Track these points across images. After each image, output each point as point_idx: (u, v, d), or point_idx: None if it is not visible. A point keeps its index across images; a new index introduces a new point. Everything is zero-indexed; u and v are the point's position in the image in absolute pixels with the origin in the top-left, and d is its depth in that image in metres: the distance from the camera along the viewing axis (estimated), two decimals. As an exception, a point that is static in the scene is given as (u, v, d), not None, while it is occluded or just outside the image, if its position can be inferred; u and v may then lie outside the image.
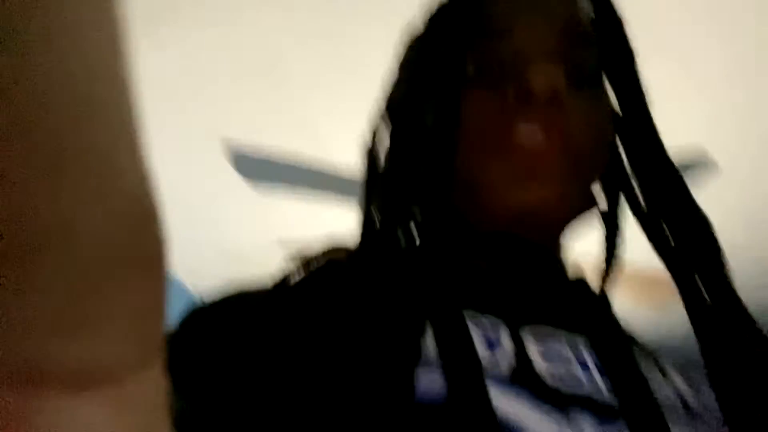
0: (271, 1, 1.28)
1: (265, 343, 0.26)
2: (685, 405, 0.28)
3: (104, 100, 0.10)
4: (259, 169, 1.68)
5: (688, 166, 1.29)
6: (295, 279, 0.32)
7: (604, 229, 0.37)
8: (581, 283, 0.37)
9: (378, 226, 0.33)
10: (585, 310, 0.32)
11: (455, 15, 0.35)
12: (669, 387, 0.29)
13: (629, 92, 0.34)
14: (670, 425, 0.25)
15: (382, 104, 0.39)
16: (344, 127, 1.61)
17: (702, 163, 1.35)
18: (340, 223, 1.91)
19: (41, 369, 0.10)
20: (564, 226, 0.36)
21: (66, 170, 0.10)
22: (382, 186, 0.35)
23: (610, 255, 0.37)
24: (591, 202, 0.36)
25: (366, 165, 0.38)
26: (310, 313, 0.28)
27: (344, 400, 0.22)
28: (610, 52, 0.34)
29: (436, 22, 0.37)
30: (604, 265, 0.37)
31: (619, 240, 0.37)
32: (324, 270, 0.32)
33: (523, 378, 0.25)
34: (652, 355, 0.33)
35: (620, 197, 0.37)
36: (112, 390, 0.11)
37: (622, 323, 0.35)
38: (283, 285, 0.31)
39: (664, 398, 0.27)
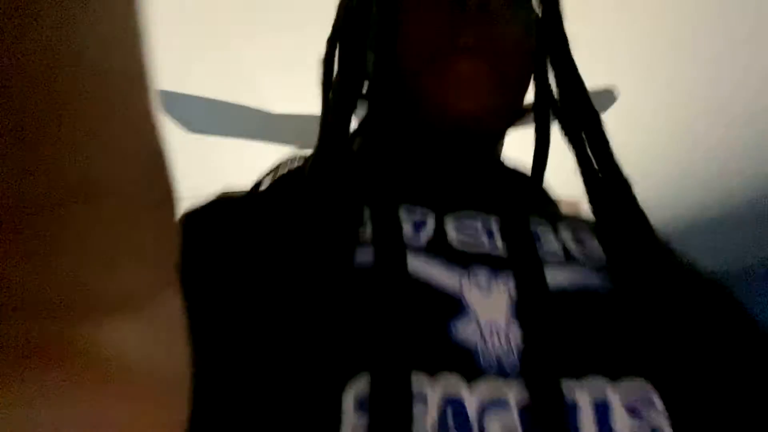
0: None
1: (240, 237, 0.32)
2: (568, 255, 0.33)
3: (118, 66, 0.11)
4: (196, 116, 1.67)
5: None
6: (264, 183, 0.37)
7: (536, 131, 0.42)
8: (510, 171, 0.42)
9: (332, 128, 0.36)
10: (505, 193, 0.37)
11: None
12: (557, 242, 0.34)
13: (550, 6, 0.39)
14: (548, 270, 0.30)
15: (337, 12, 0.42)
16: (281, 76, 1.62)
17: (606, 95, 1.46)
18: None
19: (87, 299, 0.12)
20: (499, 129, 0.40)
21: (89, 130, 0.11)
22: (334, 90, 0.38)
23: (541, 152, 0.42)
24: (523, 110, 0.41)
25: (323, 71, 0.41)
26: (273, 208, 0.33)
27: (298, 269, 0.27)
28: None
29: None
30: (535, 159, 0.42)
31: (548, 140, 0.42)
32: (286, 174, 0.37)
33: (436, 247, 0.30)
34: (565, 220, 0.37)
35: (548, 103, 0.40)
36: (141, 311, 0.13)
37: (543, 198, 0.41)
38: (254, 189, 0.37)
39: (550, 252, 0.33)
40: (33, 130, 0.10)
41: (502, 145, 0.42)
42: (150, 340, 0.13)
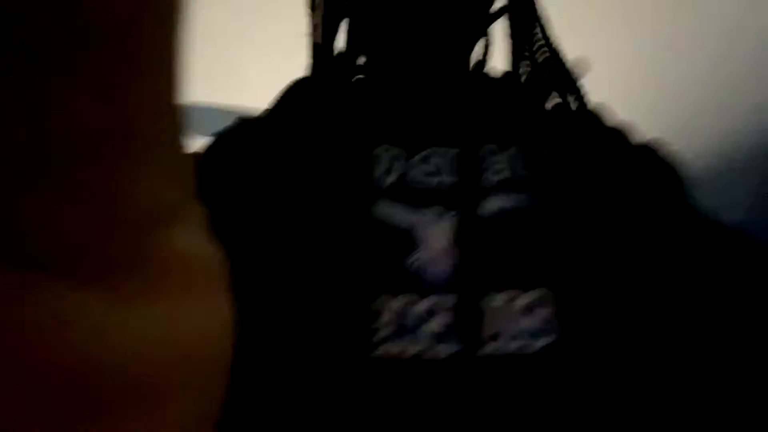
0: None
1: (255, 159, 0.37)
2: (512, 179, 0.37)
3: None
4: (201, 121, 1.74)
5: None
6: (272, 107, 0.41)
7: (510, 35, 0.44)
8: (488, 80, 0.44)
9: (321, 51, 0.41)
10: (466, 127, 0.40)
11: None
12: (505, 168, 0.37)
13: None
14: (490, 197, 0.35)
15: None
16: (271, 72, 1.69)
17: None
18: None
19: (158, 214, 0.14)
20: (470, 31, 0.42)
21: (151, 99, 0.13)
22: (321, 14, 0.42)
23: (516, 59, 0.43)
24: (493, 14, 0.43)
25: None
26: (279, 138, 0.38)
27: (312, 212, 0.34)
28: None
29: None
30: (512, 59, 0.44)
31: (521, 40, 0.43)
32: (287, 100, 0.42)
33: (401, 188, 0.36)
34: (521, 139, 0.39)
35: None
36: (185, 217, 0.15)
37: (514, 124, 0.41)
38: (268, 113, 0.41)
39: (495, 179, 0.36)
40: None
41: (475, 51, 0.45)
42: (196, 243, 0.16)
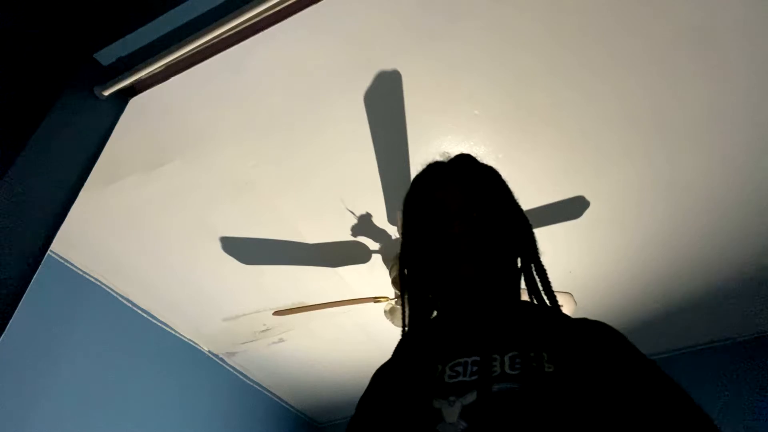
0: (244, 142, 1.65)
1: (381, 378, 0.68)
2: (503, 373, 0.57)
3: None
4: (249, 252, 1.96)
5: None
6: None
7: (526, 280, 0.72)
8: (523, 304, 0.69)
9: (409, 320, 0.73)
10: (484, 339, 0.63)
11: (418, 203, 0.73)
12: (500, 367, 0.58)
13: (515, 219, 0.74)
14: (494, 385, 0.55)
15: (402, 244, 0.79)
16: (308, 216, 1.94)
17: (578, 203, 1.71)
18: (314, 285, 2.25)
19: None
20: (496, 280, 0.68)
21: None
22: (408, 299, 0.75)
23: (534, 292, 0.70)
24: (515, 269, 0.71)
25: (400, 283, 0.76)
26: (390, 367, 0.69)
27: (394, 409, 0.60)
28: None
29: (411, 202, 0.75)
30: (532, 297, 0.70)
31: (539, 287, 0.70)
32: (402, 339, 0.73)
33: (439, 384, 0.59)
34: (517, 347, 0.60)
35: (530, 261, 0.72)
36: None
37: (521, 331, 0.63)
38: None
39: (495, 374, 0.57)
40: None
41: (512, 288, 0.71)
42: None
